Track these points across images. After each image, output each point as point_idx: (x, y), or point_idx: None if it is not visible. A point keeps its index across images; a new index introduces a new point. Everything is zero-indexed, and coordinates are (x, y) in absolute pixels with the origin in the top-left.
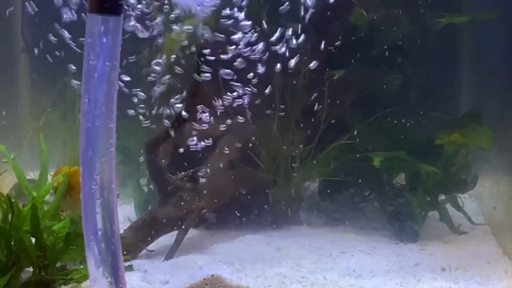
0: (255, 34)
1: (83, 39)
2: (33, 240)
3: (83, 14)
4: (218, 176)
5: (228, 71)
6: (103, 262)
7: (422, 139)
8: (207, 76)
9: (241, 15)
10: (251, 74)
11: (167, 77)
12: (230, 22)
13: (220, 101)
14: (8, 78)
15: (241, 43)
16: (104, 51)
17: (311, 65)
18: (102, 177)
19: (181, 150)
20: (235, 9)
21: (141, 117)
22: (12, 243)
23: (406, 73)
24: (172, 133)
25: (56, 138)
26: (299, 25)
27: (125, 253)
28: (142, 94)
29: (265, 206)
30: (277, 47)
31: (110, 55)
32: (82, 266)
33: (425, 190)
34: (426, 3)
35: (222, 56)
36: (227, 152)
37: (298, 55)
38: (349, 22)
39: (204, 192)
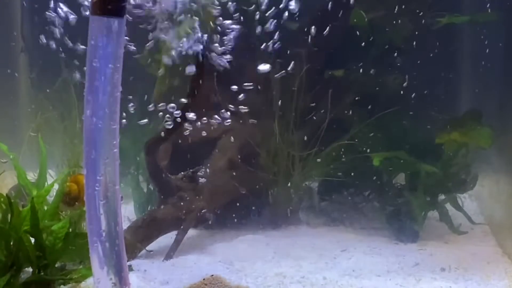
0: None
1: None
2: (33, 240)
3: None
4: (218, 176)
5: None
6: (107, 263)
7: (422, 139)
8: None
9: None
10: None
11: None
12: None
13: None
14: (7, 78)
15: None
16: (107, 53)
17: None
18: (105, 178)
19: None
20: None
21: None
22: (11, 243)
23: (405, 73)
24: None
25: (55, 139)
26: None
27: None
28: None
29: (265, 206)
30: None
31: (113, 57)
32: (81, 266)
33: (425, 190)
34: (426, 3)
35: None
36: (226, 152)
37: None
38: (348, 22)
39: (204, 192)
